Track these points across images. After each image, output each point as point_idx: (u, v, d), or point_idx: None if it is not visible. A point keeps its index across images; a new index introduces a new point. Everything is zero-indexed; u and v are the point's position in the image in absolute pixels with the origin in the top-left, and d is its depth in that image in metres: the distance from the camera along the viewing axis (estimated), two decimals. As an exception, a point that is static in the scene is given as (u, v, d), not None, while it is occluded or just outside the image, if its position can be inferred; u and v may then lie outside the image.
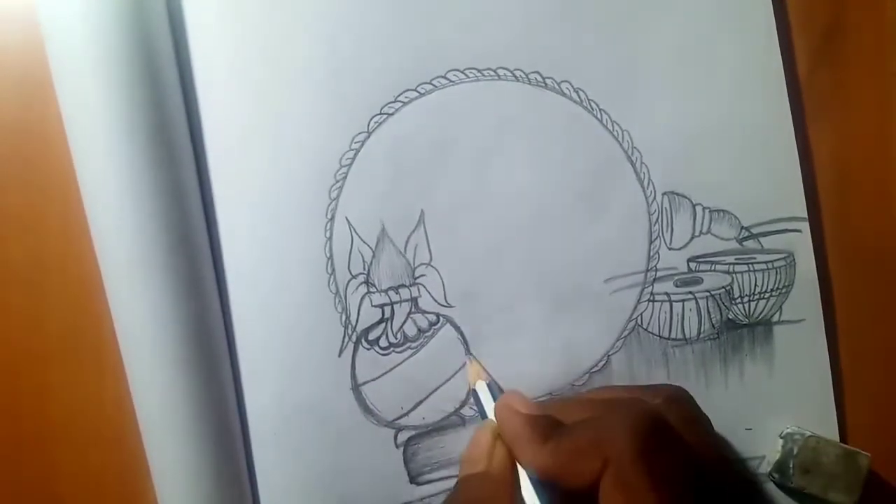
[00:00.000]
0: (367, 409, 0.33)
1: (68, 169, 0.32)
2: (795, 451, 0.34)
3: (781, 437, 0.35)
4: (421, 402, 0.34)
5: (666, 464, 0.26)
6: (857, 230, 0.37)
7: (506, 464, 0.29)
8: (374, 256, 0.33)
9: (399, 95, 0.33)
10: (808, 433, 0.34)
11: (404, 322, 0.34)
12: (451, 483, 0.34)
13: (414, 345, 0.34)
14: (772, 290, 0.36)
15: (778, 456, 0.35)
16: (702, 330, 0.35)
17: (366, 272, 0.33)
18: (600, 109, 0.35)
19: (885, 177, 0.37)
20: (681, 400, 0.30)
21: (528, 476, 0.28)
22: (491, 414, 0.31)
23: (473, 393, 0.32)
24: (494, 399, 0.32)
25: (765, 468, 0.35)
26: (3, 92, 0.33)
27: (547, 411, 0.29)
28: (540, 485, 0.28)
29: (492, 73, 0.34)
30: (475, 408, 0.33)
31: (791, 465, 0.34)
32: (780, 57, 0.35)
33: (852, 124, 0.37)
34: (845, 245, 0.36)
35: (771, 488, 0.36)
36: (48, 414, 0.34)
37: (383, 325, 0.34)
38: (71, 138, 0.31)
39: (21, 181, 0.33)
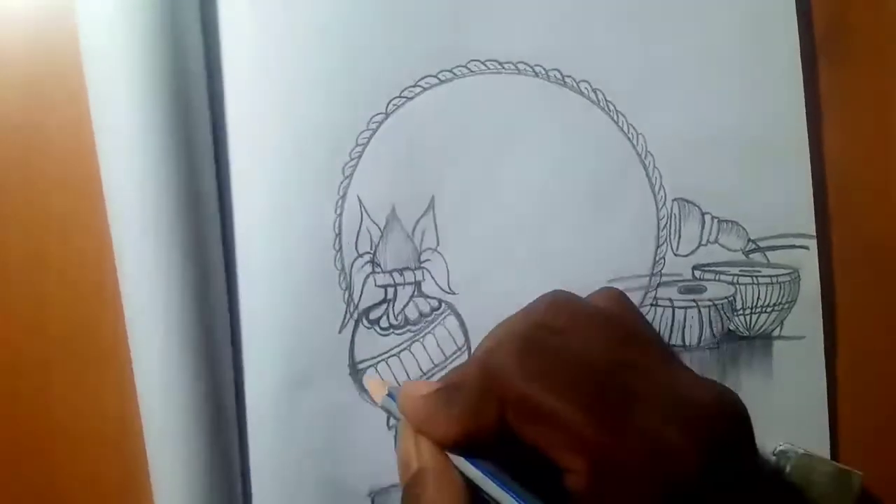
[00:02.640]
0: (362, 388, 0.33)
1: (69, 169, 0.33)
2: (788, 469, 0.34)
3: (774, 455, 0.35)
4: (416, 386, 0.34)
5: (563, 369, 0.25)
6: (861, 241, 0.37)
7: (436, 454, 0.27)
8: (381, 237, 0.34)
9: (419, 80, 0.34)
10: (802, 451, 0.34)
11: (406, 305, 0.34)
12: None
13: (414, 328, 0.34)
14: (774, 304, 0.36)
15: (770, 472, 0.35)
16: (702, 338, 0.36)
17: (372, 252, 0.34)
18: (617, 111, 0.35)
19: (886, 178, 0.37)
20: (559, 302, 0.29)
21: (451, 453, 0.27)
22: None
23: (384, 408, 0.30)
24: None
25: (755, 481, 0.35)
26: (4, 93, 0.34)
27: (446, 380, 0.28)
28: (467, 457, 0.27)
29: (512, 66, 0.34)
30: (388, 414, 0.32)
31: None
32: (800, 70, 0.35)
33: (852, 124, 0.37)
34: (850, 262, 0.36)
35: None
36: (49, 415, 0.34)
37: (385, 305, 0.34)
38: (97, 128, 0.31)
39: (21, 182, 0.34)
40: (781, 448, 0.35)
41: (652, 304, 0.35)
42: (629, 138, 0.35)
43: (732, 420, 0.26)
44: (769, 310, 0.36)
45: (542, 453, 0.25)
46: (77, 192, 0.33)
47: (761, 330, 0.36)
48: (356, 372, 0.33)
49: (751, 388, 0.35)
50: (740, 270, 0.36)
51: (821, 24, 0.37)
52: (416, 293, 0.34)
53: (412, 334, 0.34)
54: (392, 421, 0.34)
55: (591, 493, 0.24)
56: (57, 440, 0.34)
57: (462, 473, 0.26)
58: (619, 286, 0.35)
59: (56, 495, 0.34)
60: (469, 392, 0.26)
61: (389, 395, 0.29)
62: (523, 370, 0.25)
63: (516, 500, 0.25)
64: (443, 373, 0.34)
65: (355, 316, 0.34)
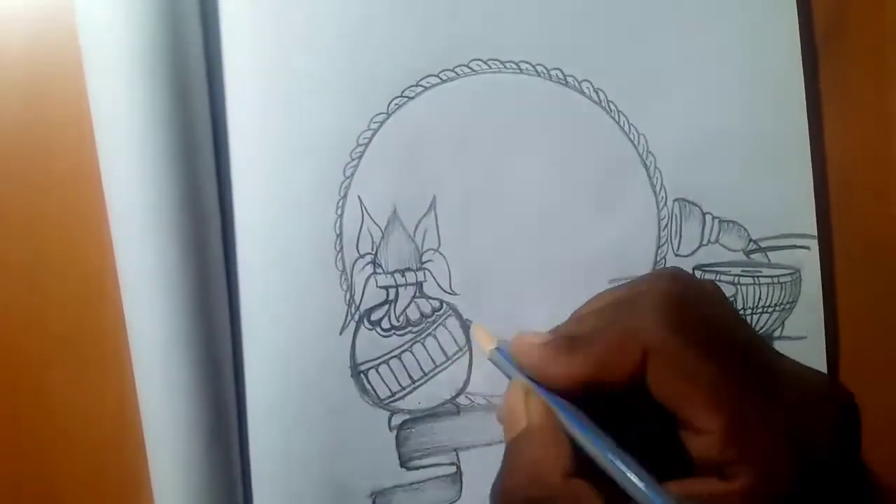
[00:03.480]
0: (363, 389, 0.33)
1: (69, 168, 0.33)
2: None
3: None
4: (418, 386, 0.34)
5: (707, 332, 0.25)
6: (862, 241, 0.37)
7: (545, 412, 0.27)
8: (382, 238, 0.34)
9: (421, 80, 0.34)
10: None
11: (408, 306, 0.34)
12: (442, 471, 0.34)
13: (415, 329, 0.34)
14: (775, 305, 0.36)
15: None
16: (703, 338, 0.35)
17: (373, 252, 0.34)
18: (618, 111, 0.35)
19: (887, 178, 0.37)
20: (680, 273, 0.30)
21: (563, 411, 0.27)
22: (516, 373, 0.29)
23: (494, 356, 0.30)
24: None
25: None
26: (4, 93, 0.33)
27: (563, 332, 0.28)
28: (576, 415, 0.26)
29: (514, 66, 0.34)
30: (499, 369, 0.31)
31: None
32: (801, 72, 0.35)
33: (852, 124, 0.37)
34: (851, 261, 0.37)
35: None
36: (48, 414, 0.34)
37: (387, 306, 0.34)
38: (97, 126, 0.31)
39: (21, 181, 0.33)
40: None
41: (653, 305, 0.35)
42: (630, 138, 0.35)
43: (849, 407, 0.27)
44: (770, 310, 0.36)
45: (670, 411, 0.25)
46: (77, 192, 0.33)
47: (762, 330, 0.36)
48: (357, 373, 0.33)
49: (752, 389, 0.35)
50: (741, 271, 0.36)
51: (821, 23, 0.37)
52: (417, 294, 0.34)
53: (413, 335, 0.34)
54: (394, 421, 0.34)
55: (722, 459, 0.24)
56: (57, 440, 0.34)
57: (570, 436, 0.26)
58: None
59: (56, 495, 0.34)
60: (608, 334, 0.26)
61: (499, 350, 0.29)
62: (672, 322, 0.25)
63: (623, 469, 0.24)
64: (445, 374, 0.34)
65: (356, 317, 0.33)
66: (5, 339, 0.33)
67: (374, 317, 0.34)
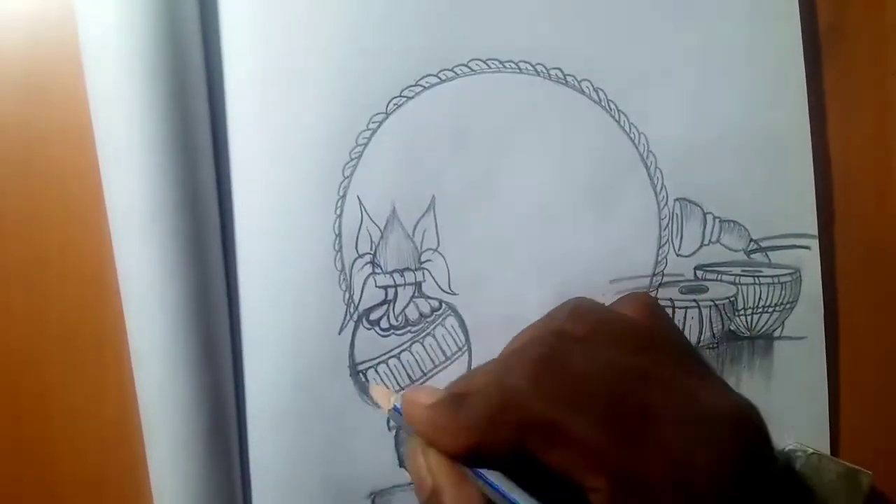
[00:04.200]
0: (362, 389, 0.33)
1: (69, 169, 0.33)
2: (798, 468, 0.34)
3: (782, 454, 0.35)
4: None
5: (574, 387, 0.25)
6: (863, 241, 0.37)
7: (449, 469, 0.26)
8: (381, 237, 0.34)
9: (420, 80, 0.34)
10: (811, 450, 0.34)
11: (407, 305, 0.34)
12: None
13: (414, 329, 0.34)
14: (776, 304, 0.36)
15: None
16: (702, 338, 0.35)
17: (372, 252, 0.34)
18: (618, 110, 0.35)
19: (888, 178, 0.37)
20: (581, 310, 0.28)
21: (465, 468, 0.26)
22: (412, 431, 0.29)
23: (392, 415, 0.29)
24: None
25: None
26: (4, 93, 0.33)
27: (453, 388, 0.28)
28: (478, 470, 0.26)
29: (513, 65, 0.34)
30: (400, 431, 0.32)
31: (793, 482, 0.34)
32: (803, 69, 0.35)
33: (852, 124, 0.37)
34: (852, 262, 0.36)
35: None
36: (48, 414, 0.34)
37: (386, 306, 0.34)
38: (97, 126, 0.31)
39: (21, 181, 0.33)
40: (791, 447, 0.35)
41: (653, 305, 0.35)
42: (631, 138, 0.35)
43: (752, 432, 0.26)
44: (770, 310, 0.36)
45: (562, 474, 0.24)
46: (77, 192, 0.33)
47: (762, 330, 0.36)
48: (356, 373, 0.33)
49: (751, 389, 0.35)
50: (742, 270, 0.36)
51: (823, 24, 0.36)
52: (416, 294, 0.34)
53: (412, 335, 0.34)
54: (392, 422, 0.34)
55: None
56: (55, 439, 0.34)
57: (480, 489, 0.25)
58: (621, 286, 0.35)
59: (54, 494, 0.34)
60: (484, 404, 0.25)
61: (396, 409, 0.28)
62: (541, 390, 0.25)
63: None
64: (443, 374, 0.34)
65: (355, 317, 0.33)
66: (5, 339, 0.34)
67: (373, 316, 0.34)
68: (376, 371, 0.33)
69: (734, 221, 0.35)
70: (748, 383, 0.35)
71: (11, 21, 0.33)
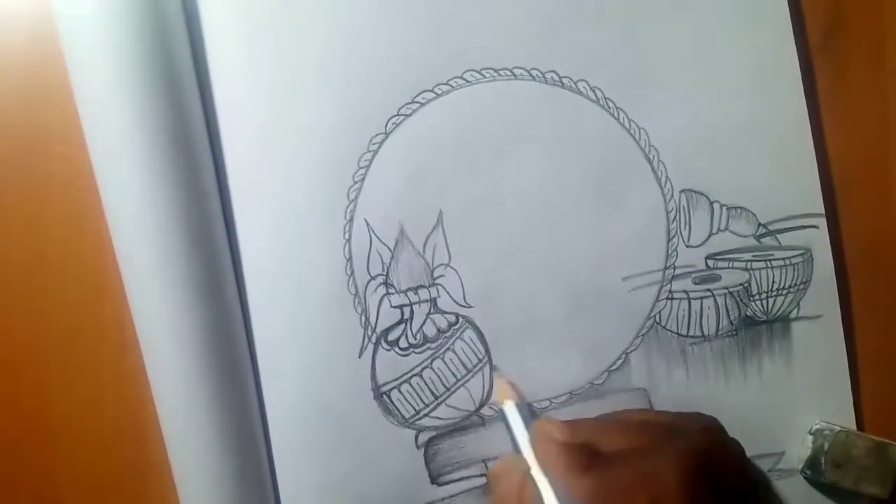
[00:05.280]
0: (387, 410, 0.33)
1: (69, 170, 0.33)
2: (826, 447, 0.34)
3: (811, 434, 0.35)
4: (441, 402, 0.34)
5: (717, 496, 0.27)
6: (862, 228, 0.37)
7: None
8: (392, 257, 0.34)
9: (416, 96, 0.33)
10: (838, 428, 0.34)
11: (423, 323, 0.34)
12: (472, 483, 0.34)
13: (433, 345, 0.34)
14: (789, 286, 0.36)
15: (809, 452, 0.35)
16: (720, 327, 0.36)
17: (385, 273, 0.33)
18: (617, 108, 0.35)
19: (885, 175, 0.37)
20: (714, 430, 0.31)
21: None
22: (522, 442, 0.31)
23: (502, 414, 0.32)
24: (524, 421, 0.32)
25: (785, 464, 0.35)
26: (4, 94, 0.33)
27: (583, 436, 0.29)
28: None
29: (508, 72, 0.34)
30: (506, 428, 0.33)
31: (823, 461, 0.34)
32: (795, 54, 0.35)
33: (852, 123, 0.37)
34: (855, 242, 0.36)
35: (799, 484, 0.36)
36: (48, 414, 0.34)
37: (403, 325, 0.34)
38: (91, 144, 0.31)
39: (21, 181, 0.33)
40: (818, 427, 0.35)
41: (668, 298, 0.35)
42: (631, 134, 0.35)
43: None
44: (785, 292, 0.36)
45: None
46: (77, 192, 0.33)
47: (779, 313, 0.36)
48: (380, 395, 0.33)
49: (773, 371, 0.36)
50: (753, 256, 0.36)
51: (820, 23, 0.36)
52: (432, 310, 0.34)
53: (432, 351, 0.34)
54: (420, 439, 0.34)
55: None
56: (56, 439, 0.34)
57: None
58: (634, 283, 0.35)
59: (54, 494, 0.34)
60: (625, 470, 0.27)
61: (518, 407, 0.31)
62: (689, 483, 0.27)
63: None
64: (465, 387, 0.34)
65: (374, 339, 0.33)
66: (5, 339, 0.34)
67: (392, 337, 0.34)
68: (399, 391, 0.33)
69: (741, 207, 0.35)
70: (769, 367, 0.36)
71: (11, 21, 0.33)
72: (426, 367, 0.34)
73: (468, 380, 0.34)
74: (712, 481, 0.27)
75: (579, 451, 0.28)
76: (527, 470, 0.30)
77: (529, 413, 0.33)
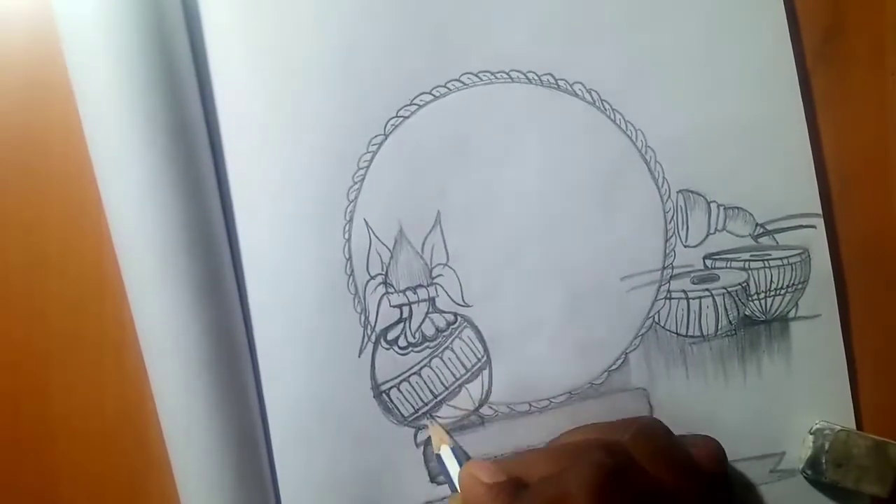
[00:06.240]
0: (386, 409, 0.34)
1: (69, 170, 0.33)
2: (826, 447, 0.34)
3: (811, 433, 0.35)
4: (440, 401, 0.34)
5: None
6: (860, 228, 0.37)
7: None
8: (391, 257, 0.34)
9: (415, 98, 0.34)
10: (838, 427, 0.34)
11: (422, 322, 0.34)
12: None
13: (432, 344, 0.34)
14: (787, 286, 0.36)
15: (810, 452, 0.35)
16: (719, 327, 0.36)
17: (384, 273, 0.34)
18: (613, 109, 0.35)
19: (885, 176, 0.37)
20: (648, 431, 0.31)
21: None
22: (458, 483, 0.31)
23: (438, 459, 0.33)
24: (460, 464, 0.32)
25: (785, 465, 0.35)
26: (4, 94, 0.34)
27: (512, 472, 0.30)
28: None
29: (505, 75, 0.34)
30: (443, 476, 0.33)
31: (823, 461, 0.34)
32: (791, 54, 0.35)
33: (850, 123, 0.37)
34: (853, 242, 0.37)
35: (800, 485, 0.36)
36: (48, 414, 0.34)
37: (402, 324, 0.34)
38: (91, 144, 0.31)
39: (21, 182, 0.34)
40: (818, 426, 0.35)
41: (666, 298, 0.35)
42: (628, 135, 0.35)
43: None
44: (783, 292, 0.36)
45: None
46: (77, 192, 0.33)
47: (777, 312, 0.36)
48: (379, 394, 0.34)
49: (772, 371, 0.36)
50: (751, 255, 0.36)
51: (819, 24, 0.37)
52: (430, 309, 0.34)
53: (431, 350, 0.34)
54: (419, 438, 0.34)
55: None
56: (56, 439, 0.34)
57: None
58: (632, 283, 0.35)
59: (54, 494, 0.34)
60: (539, 498, 0.28)
61: (454, 452, 0.32)
62: (601, 498, 0.27)
63: None
64: (464, 387, 0.34)
65: (373, 338, 0.34)
66: (5, 339, 0.34)
67: (391, 336, 0.34)
68: (399, 390, 0.34)
69: (738, 207, 0.36)
70: (768, 367, 0.36)
71: (11, 21, 0.33)
72: (425, 366, 0.34)
73: (467, 379, 0.34)
74: (621, 492, 0.27)
75: (502, 489, 0.29)
76: None
77: (465, 456, 0.33)
